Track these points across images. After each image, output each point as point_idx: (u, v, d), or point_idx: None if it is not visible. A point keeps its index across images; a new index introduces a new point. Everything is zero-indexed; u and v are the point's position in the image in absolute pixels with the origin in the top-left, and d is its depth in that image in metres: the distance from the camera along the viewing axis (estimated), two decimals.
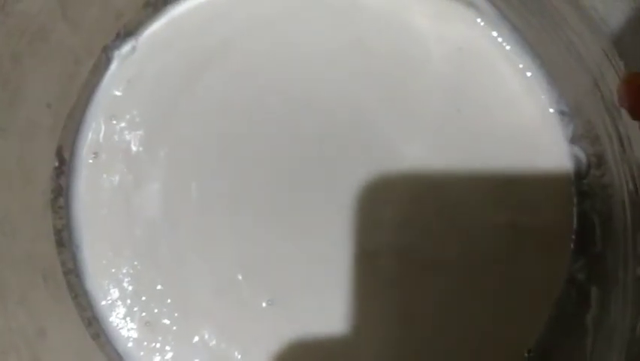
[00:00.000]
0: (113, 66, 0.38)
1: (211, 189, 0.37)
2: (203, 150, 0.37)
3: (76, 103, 0.37)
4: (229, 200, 0.37)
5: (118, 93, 0.38)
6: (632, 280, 0.31)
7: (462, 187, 0.36)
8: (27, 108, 0.34)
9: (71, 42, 0.36)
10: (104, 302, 0.36)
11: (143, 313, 0.36)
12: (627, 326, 0.30)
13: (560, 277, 0.36)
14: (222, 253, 0.36)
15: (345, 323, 0.35)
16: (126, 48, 0.38)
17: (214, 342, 0.36)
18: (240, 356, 0.35)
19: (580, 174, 0.36)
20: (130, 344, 0.36)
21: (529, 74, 0.37)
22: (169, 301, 0.36)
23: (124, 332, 0.36)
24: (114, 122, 0.37)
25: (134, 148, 0.37)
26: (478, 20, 0.38)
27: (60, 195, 0.36)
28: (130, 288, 0.36)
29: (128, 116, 0.37)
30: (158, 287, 0.36)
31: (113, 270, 0.36)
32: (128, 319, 0.36)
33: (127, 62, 0.38)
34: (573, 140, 0.36)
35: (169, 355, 0.36)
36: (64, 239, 0.36)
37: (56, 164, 0.36)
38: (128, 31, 0.38)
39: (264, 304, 0.36)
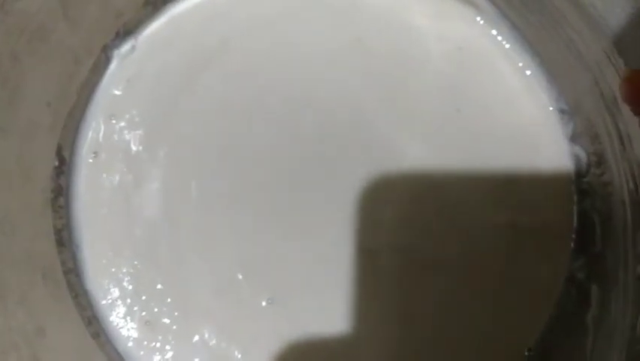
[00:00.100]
0: (113, 65, 0.38)
1: (211, 189, 0.37)
2: (203, 150, 0.37)
3: (75, 102, 0.37)
4: (229, 199, 0.37)
5: (117, 92, 0.38)
6: (632, 279, 0.31)
7: (462, 186, 0.36)
8: (27, 107, 0.34)
9: (71, 41, 0.36)
10: (104, 302, 0.36)
11: (143, 313, 0.36)
12: (627, 325, 0.30)
13: (560, 276, 0.36)
14: (222, 253, 0.36)
15: (345, 322, 0.35)
16: (126, 47, 0.38)
17: (214, 341, 0.35)
18: (240, 356, 0.35)
19: (580, 173, 0.36)
20: (130, 344, 0.36)
21: (528, 72, 0.37)
22: (169, 300, 0.36)
23: (124, 332, 0.36)
24: (114, 121, 0.37)
25: (133, 147, 0.37)
26: (478, 19, 0.38)
27: (60, 194, 0.36)
28: (130, 287, 0.36)
29: (127, 116, 0.37)
30: (158, 287, 0.36)
31: (113, 269, 0.36)
32: (128, 318, 0.36)
33: (126, 62, 0.38)
34: (573, 138, 0.36)
35: (169, 354, 0.35)
36: (64, 238, 0.36)
37: (56, 163, 0.36)
38: (128, 30, 0.38)
39: (263, 304, 0.36)
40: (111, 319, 0.36)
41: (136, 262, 0.36)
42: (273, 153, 0.37)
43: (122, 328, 0.36)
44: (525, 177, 0.36)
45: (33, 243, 0.34)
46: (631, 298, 0.30)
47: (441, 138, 0.37)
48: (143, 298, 0.36)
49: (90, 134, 0.37)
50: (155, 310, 0.36)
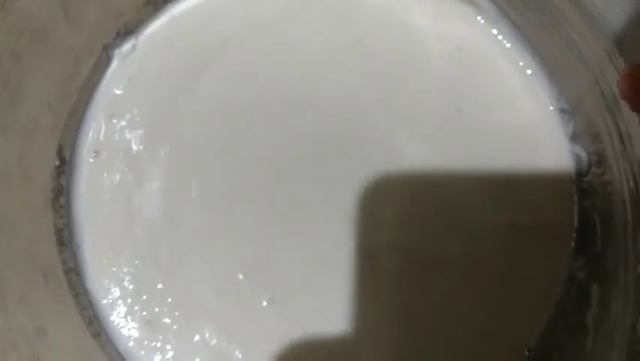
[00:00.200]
0: (114, 65, 0.38)
1: (211, 189, 0.37)
2: (203, 149, 0.37)
3: (76, 102, 0.37)
4: (229, 199, 0.37)
5: (118, 92, 0.38)
6: (632, 278, 0.31)
7: (462, 186, 0.36)
8: (27, 107, 0.34)
9: (72, 41, 0.36)
10: (104, 301, 0.36)
11: (144, 313, 0.36)
12: (628, 325, 0.30)
13: (560, 276, 0.36)
14: (223, 253, 0.36)
15: (345, 322, 0.35)
16: (126, 47, 0.38)
17: (215, 341, 0.35)
18: (240, 356, 0.35)
19: (580, 172, 0.36)
20: (131, 343, 0.36)
21: (529, 71, 0.37)
22: (170, 300, 0.36)
23: (125, 331, 0.36)
24: (115, 120, 0.37)
25: (134, 147, 0.37)
26: (478, 18, 0.38)
27: (61, 194, 0.36)
28: (131, 287, 0.36)
29: (128, 115, 0.37)
30: (159, 286, 0.36)
31: (114, 269, 0.36)
32: (128, 318, 0.36)
33: (127, 61, 0.38)
34: (573, 138, 0.36)
35: (170, 354, 0.35)
36: (64, 238, 0.36)
37: (57, 163, 0.36)
38: (129, 30, 0.38)
39: (264, 304, 0.36)
40: (112, 318, 0.36)
41: (137, 262, 0.36)
42: (273, 153, 0.37)
43: (122, 327, 0.36)
44: (525, 177, 0.36)
45: (34, 242, 0.34)
46: (631, 298, 0.30)
47: (441, 137, 0.37)
48: (144, 297, 0.36)
49: (91, 133, 0.37)
50: (156, 309, 0.36)
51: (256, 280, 0.36)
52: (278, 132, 0.37)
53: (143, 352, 0.35)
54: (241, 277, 0.36)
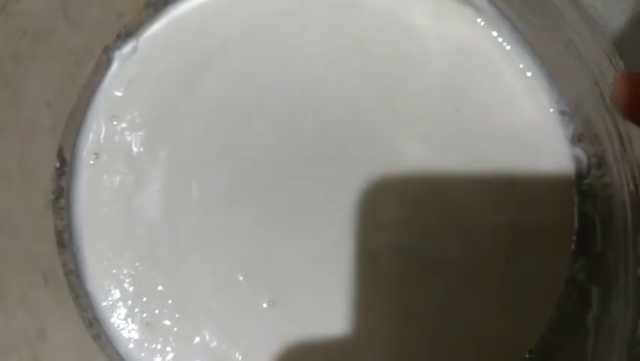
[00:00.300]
0: (114, 67, 0.38)
1: (212, 189, 0.37)
2: (203, 150, 0.37)
3: (76, 103, 0.37)
4: (229, 200, 0.37)
5: (119, 94, 0.38)
6: (632, 280, 0.30)
7: (462, 187, 0.36)
8: (28, 108, 0.34)
9: (72, 42, 0.36)
10: (104, 303, 0.36)
11: (144, 314, 0.36)
12: (628, 327, 0.30)
13: (560, 278, 0.36)
14: (223, 254, 0.36)
15: (345, 323, 0.35)
16: (127, 48, 0.38)
17: (215, 343, 0.36)
18: (240, 357, 0.35)
19: (580, 174, 0.36)
20: (131, 345, 0.36)
21: (529, 73, 0.37)
22: (170, 302, 0.36)
23: (125, 333, 0.36)
24: (115, 122, 0.37)
25: (134, 149, 0.37)
26: (479, 20, 0.38)
27: (61, 195, 0.37)
28: (131, 289, 0.36)
29: (128, 117, 0.38)
30: (159, 288, 0.36)
31: (114, 271, 0.36)
32: (129, 320, 0.36)
33: (128, 63, 0.38)
34: (573, 140, 0.36)
35: (170, 356, 0.36)
36: (65, 240, 0.36)
37: (57, 164, 0.36)
38: (129, 31, 0.38)
39: (264, 305, 0.36)
40: (112, 320, 0.36)
41: (137, 264, 0.36)
42: (273, 153, 0.37)
43: (122, 329, 0.36)
44: (525, 179, 0.36)
45: (34, 244, 0.35)
46: (632, 300, 0.30)
47: (441, 138, 0.36)
48: (144, 299, 0.36)
49: (91, 135, 0.37)
50: (156, 311, 0.36)
51: (256, 281, 0.36)
52: (278, 132, 0.37)
53: (143, 354, 0.35)
54: (241, 278, 0.36)
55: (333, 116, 0.37)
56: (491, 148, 0.36)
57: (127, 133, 0.37)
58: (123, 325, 0.36)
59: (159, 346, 0.36)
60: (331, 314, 0.35)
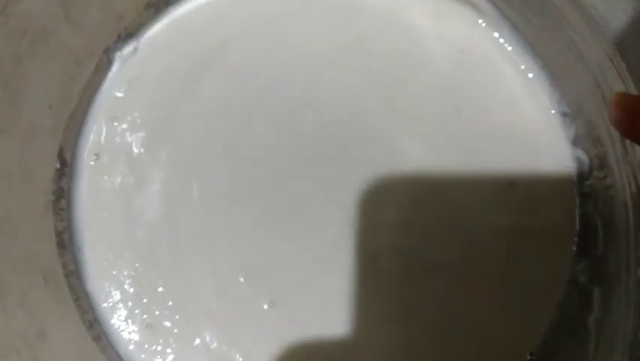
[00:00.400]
0: (115, 67, 0.38)
1: (212, 189, 0.37)
2: (204, 151, 0.37)
3: (77, 104, 0.37)
4: (230, 200, 0.37)
5: (119, 95, 0.38)
6: (634, 281, 0.30)
7: (463, 189, 0.36)
8: (28, 109, 0.34)
9: (73, 43, 0.36)
10: (105, 304, 0.36)
11: (145, 316, 0.36)
12: (630, 328, 0.30)
13: (561, 279, 0.35)
14: (223, 255, 0.36)
15: (346, 324, 0.35)
16: (127, 49, 0.38)
17: (215, 344, 0.36)
18: (241, 359, 0.35)
19: (582, 176, 0.36)
20: (131, 347, 0.36)
21: (530, 75, 0.37)
22: (170, 303, 0.36)
23: (125, 335, 0.36)
24: (115, 123, 0.37)
25: (135, 150, 0.37)
26: (480, 21, 0.37)
27: (61, 196, 0.37)
28: (131, 290, 0.36)
29: (129, 118, 0.38)
30: (160, 289, 0.36)
31: (114, 272, 0.36)
32: (129, 321, 0.36)
33: (128, 64, 0.38)
34: (575, 141, 0.36)
35: (170, 357, 0.36)
36: (65, 241, 0.36)
37: (57, 165, 0.36)
38: (130, 32, 0.38)
39: (265, 306, 0.36)
40: (112, 322, 0.36)
41: (137, 265, 0.36)
42: (273, 153, 0.37)
43: (123, 331, 0.36)
44: (527, 180, 0.36)
45: (34, 245, 0.35)
46: (633, 302, 0.30)
47: (441, 138, 0.36)
48: (145, 300, 0.36)
49: (92, 136, 0.37)
50: (157, 313, 0.36)
51: (257, 282, 0.36)
52: (278, 132, 0.37)
53: (143, 355, 0.36)
54: (242, 279, 0.36)
55: (333, 116, 0.37)
56: (492, 149, 0.36)
57: (127, 134, 0.37)
58: (123, 326, 0.36)
59: (160, 347, 0.36)
60: (332, 315, 0.35)
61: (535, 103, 0.37)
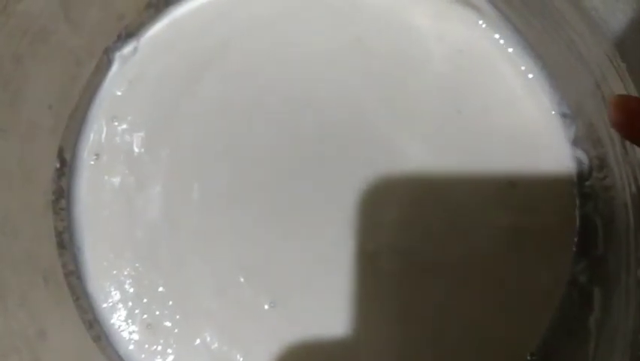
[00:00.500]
0: (115, 67, 0.38)
1: (212, 189, 0.37)
2: (204, 151, 0.37)
3: (77, 104, 0.37)
4: (230, 200, 0.37)
5: (119, 94, 0.38)
6: (634, 282, 0.30)
7: (463, 189, 0.36)
8: (28, 109, 0.34)
9: (73, 43, 0.36)
10: (105, 305, 0.36)
11: (145, 316, 0.36)
12: (630, 329, 0.30)
13: (562, 280, 0.35)
14: (224, 255, 0.36)
15: (346, 324, 0.35)
16: (128, 49, 0.38)
17: (216, 344, 0.36)
18: (241, 359, 0.35)
19: (582, 176, 0.36)
20: (131, 347, 0.36)
21: (530, 75, 0.37)
22: (170, 303, 0.36)
23: (125, 335, 0.36)
24: (115, 123, 0.37)
25: (135, 149, 0.37)
26: (480, 22, 0.37)
27: (61, 196, 0.37)
28: (131, 290, 0.36)
29: (129, 118, 0.38)
30: (160, 289, 0.36)
31: (115, 272, 0.36)
32: (129, 321, 0.36)
33: (128, 64, 0.38)
34: (575, 142, 0.36)
35: (170, 357, 0.36)
36: (65, 241, 0.36)
37: (57, 165, 0.36)
38: (130, 32, 0.38)
39: (265, 306, 0.36)
40: (112, 322, 0.36)
41: (137, 265, 0.36)
42: (273, 153, 0.37)
43: (123, 331, 0.36)
44: (527, 180, 0.36)
45: (34, 245, 0.35)
46: (633, 302, 0.30)
47: (441, 139, 0.36)
48: (145, 300, 0.36)
49: (92, 136, 0.37)
50: (157, 313, 0.36)
51: (257, 282, 0.36)
52: (278, 132, 0.37)
53: (143, 355, 0.36)
54: (242, 279, 0.36)
55: (333, 116, 0.37)
56: (492, 149, 0.36)
57: (127, 134, 0.37)
58: (124, 326, 0.36)
59: (160, 347, 0.36)
60: (332, 315, 0.35)
61: (536, 103, 0.37)
